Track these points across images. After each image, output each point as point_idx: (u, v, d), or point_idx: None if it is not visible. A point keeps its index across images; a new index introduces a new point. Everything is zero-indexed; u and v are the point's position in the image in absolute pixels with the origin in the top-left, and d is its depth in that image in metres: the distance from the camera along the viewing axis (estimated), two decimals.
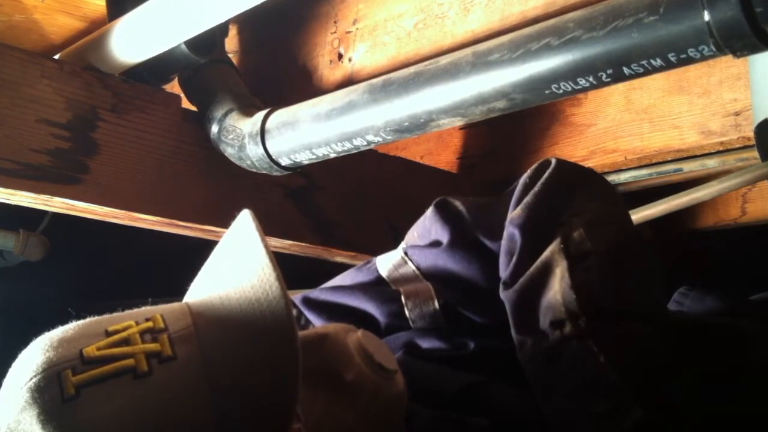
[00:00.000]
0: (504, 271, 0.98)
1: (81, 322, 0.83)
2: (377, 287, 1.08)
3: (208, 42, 1.47)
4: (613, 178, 1.70)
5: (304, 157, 1.38)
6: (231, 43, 1.88)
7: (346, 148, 1.31)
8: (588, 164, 1.69)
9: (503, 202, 1.03)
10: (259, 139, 1.40)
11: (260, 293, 0.77)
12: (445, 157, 1.92)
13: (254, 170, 1.46)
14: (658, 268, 1.02)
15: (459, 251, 1.04)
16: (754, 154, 1.37)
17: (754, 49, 0.87)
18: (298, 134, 1.35)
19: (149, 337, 0.77)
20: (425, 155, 1.95)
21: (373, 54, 1.59)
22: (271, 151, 1.40)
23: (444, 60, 1.15)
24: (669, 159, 1.62)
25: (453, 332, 1.02)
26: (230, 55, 1.74)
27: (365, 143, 1.28)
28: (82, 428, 0.73)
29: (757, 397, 0.98)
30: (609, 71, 0.96)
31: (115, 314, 0.84)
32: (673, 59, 0.92)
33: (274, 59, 1.84)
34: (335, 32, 1.69)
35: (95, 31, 1.49)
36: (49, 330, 0.83)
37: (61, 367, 0.75)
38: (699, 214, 2.03)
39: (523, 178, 1.03)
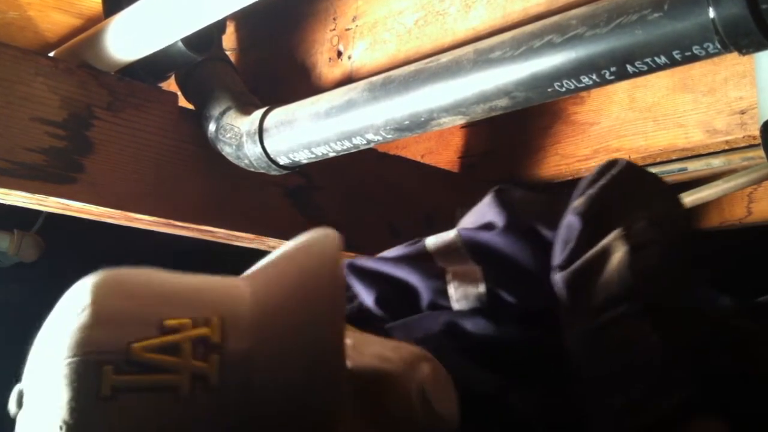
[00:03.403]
0: (558, 257, 0.97)
1: (140, 283, 0.77)
2: (424, 263, 1.04)
3: (205, 39, 1.46)
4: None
5: (303, 156, 1.37)
6: (228, 41, 1.87)
7: (345, 147, 1.30)
8: (591, 163, 1.68)
9: (563, 198, 1.03)
10: (257, 137, 1.39)
11: (317, 348, 0.72)
12: (446, 156, 1.91)
13: (252, 169, 1.45)
14: (700, 273, 1.03)
15: (513, 234, 1.01)
16: (760, 153, 1.36)
17: (760, 47, 0.87)
18: (297, 133, 1.34)
19: (201, 352, 0.70)
20: (426, 154, 1.94)
21: (372, 51, 1.58)
22: (269, 150, 1.39)
23: (445, 57, 1.14)
24: (673, 158, 1.62)
25: (495, 316, 0.99)
26: (228, 53, 1.72)
27: (365, 142, 1.27)
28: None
29: (761, 398, 0.98)
30: (612, 69, 0.96)
31: (175, 288, 0.77)
32: (677, 57, 0.91)
33: (272, 57, 1.83)
34: (334, 29, 1.68)
35: (91, 28, 1.48)
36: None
37: (104, 358, 0.69)
38: (704, 213, 2.01)
39: (589, 174, 1.04)
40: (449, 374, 0.87)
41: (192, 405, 0.69)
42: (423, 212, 1.79)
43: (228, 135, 1.45)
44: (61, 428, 0.69)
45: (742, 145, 1.51)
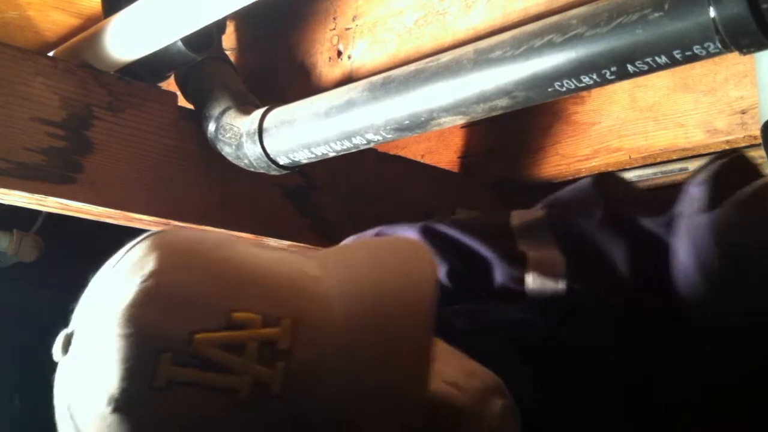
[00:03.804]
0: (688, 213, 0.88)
1: (211, 259, 0.70)
2: (505, 241, 0.94)
3: (205, 39, 1.46)
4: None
5: (303, 156, 1.36)
6: (228, 40, 1.87)
7: (345, 147, 1.30)
8: (592, 163, 1.68)
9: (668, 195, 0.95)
10: (256, 137, 1.39)
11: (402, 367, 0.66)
12: (446, 156, 1.91)
13: (252, 169, 1.45)
14: None
15: (610, 229, 0.91)
16: (761, 153, 1.36)
17: (761, 46, 0.87)
18: (297, 133, 1.33)
19: (266, 356, 0.64)
20: (426, 154, 1.94)
21: (372, 51, 1.58)
22: (269, 150, 1.39)
23: (445, 57, 1.14)
24: (674, 158, 1.61)
25: (570, 318, 0.89)
26: (227, 53, 1.72)
27: (365, 142, 1.27)
28: (156, 424, 0.65)
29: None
30: (613, 69, 0.95)
31: (248, 273, 0.70)
32: (678, 56, 0.91)
33: (272, 56, 1.83)
34: (334, 29, 1.68)
35: (90, 27, 1.48)
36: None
37: (163, 345, 0.64)
38: None
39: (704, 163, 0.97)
40: (516, 406, 0.80)
41: (248, 412, 0.64)
42: (423, 212, 1.79)
43: (228, 135, 1.44)
44: (109, 403, 0.64)
45: (743, 145, 1.50)
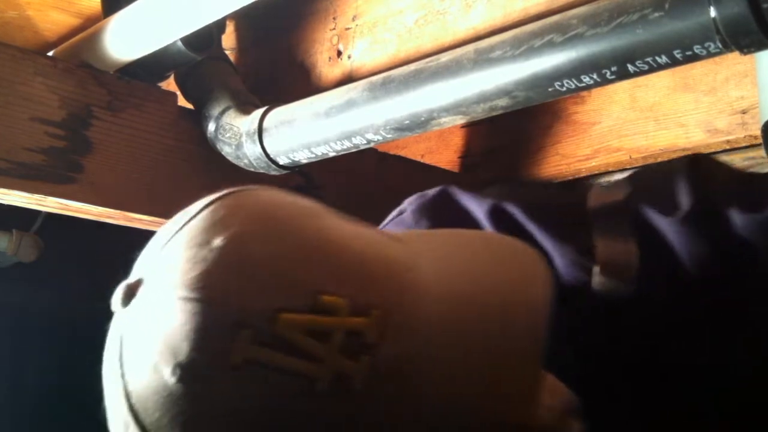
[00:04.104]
0: None
1: (301, 229, 0.64)
2: (573, 230, 0.83)
3: (205, 39, 1.46)
4: (618, 178, 1.69)
5: (303, 156, 1.36)
6: (228, 40, 1.87)
7: (345, 147, 1.30)
8: (592, 163, 1.67)
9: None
10: (256, 137, 1.39)
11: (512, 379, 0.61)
12: (446, 156, 1.90)
13: (252, 169, 1.45)
14: None
15: (693, 227, 0.80)
16: (761, 152, 1.36)
17: (762, 46, 0.86)
18: (297, 133, 1.33)
19: (352, 347, 0.59)
20: (426, 154, 1.94)
21: (372, 51, 1.58)
22: (269, 150, 1.39)
23: (445, 57, 1.14)
24: (675, 158, 1.61)
25: (633, 326, 0.80)
26: (227, 52, 1.72)
27: (365, 142, 1.27)
28: (225, 402, 0.59)
29: None
30: (613, 68, 0.95)
31: (336, 249, 0.64)
32: (678, 56, 0.90)
33: (272, 56, 1.83)
34: (334, 29, 1.68)
35: (90, 27, 1.48)
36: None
37: (244, 320, 0.58)
38: None
39: None
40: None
41: (326, 404, 0.59)
42: None
43: (227, 134, 1.44)
44: (174, 372, 0.59)
45: (744, 144, 1.50)
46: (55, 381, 2.14)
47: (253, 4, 1.20)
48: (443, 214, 0.91)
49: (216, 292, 0.59)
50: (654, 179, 0.89)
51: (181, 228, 0.65)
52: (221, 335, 0.59)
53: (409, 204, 0.96)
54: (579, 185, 0.87)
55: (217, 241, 0.61)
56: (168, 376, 0.59)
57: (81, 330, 2.25)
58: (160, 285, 0.62)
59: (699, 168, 0.87)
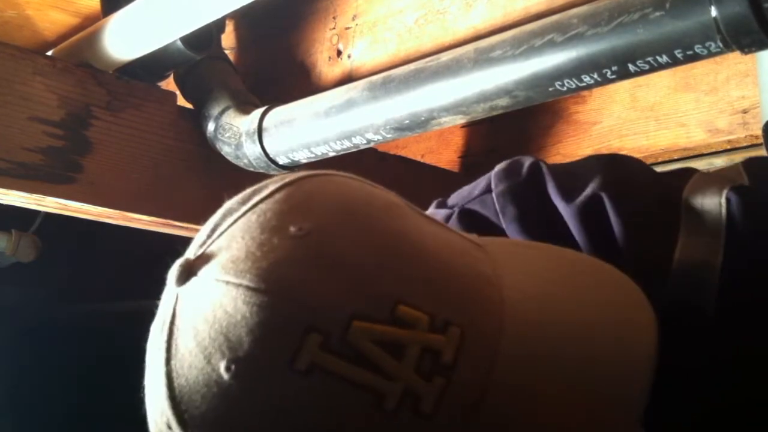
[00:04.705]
0: None
1: (381, 230, 0.58)
2: (657, 230, 0.73)
3: (204, 38, 1.46)
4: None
5: (303, 156, 1.36)
6: (227, 40, 1.86)
7: (345, 147, 1.29)
8: None
9: None
10: (256, 137, 1.38)
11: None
12: (446, 156, 1.90)
13: (251, 169, 1.44)
14: None
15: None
16: (762, 152, 1.35)
17: (762, 46, 0.86)
18: (296, 132, 1.33)
19: (426, 366, 0.54)
20: (426, 154, 1.93)
21: (372, 50, 1.57)
22: (268, 150, 1.38)
23: (445, 56, 1.14)
24: (675, 158, 1.60)
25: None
26: (227, 52, 1.72)
27: (365, 142, 1.27)
28: (282, 406, 0.54)
29: None
30: (614, 68, 0.95)
31: (420, 253, 0.58)
32: (679, 56, 0.90)
33: (271, 56, 1.83)
34: (334, 28, 1.67)
35: (89, 27, 1.48)
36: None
37: (315, 323, 0.53)
38: None
39: None
40: None
41: (391, 423, 0.54)
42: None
43: (227, 134, 1.44)
44: (228, 369, 0.54)
45: (744, 144, 1.50)
46: (55, 381, 2.14)
47: (252, 3, 1.19)
48: (531, 204, 0.81)
49: (287, 287, 0.54)
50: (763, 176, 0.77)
51: (254, 207, 0.59)
52: (289, 335, 0.53)
53: (497, 181, 0.87)
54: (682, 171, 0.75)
55: (294, 230, 0.56)
56: (222, 369, 0.54)
57: (80, 330, 2.25)
58: (226, 268, 0.56)
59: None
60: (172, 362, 0.57)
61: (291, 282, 0.54)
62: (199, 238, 0.61)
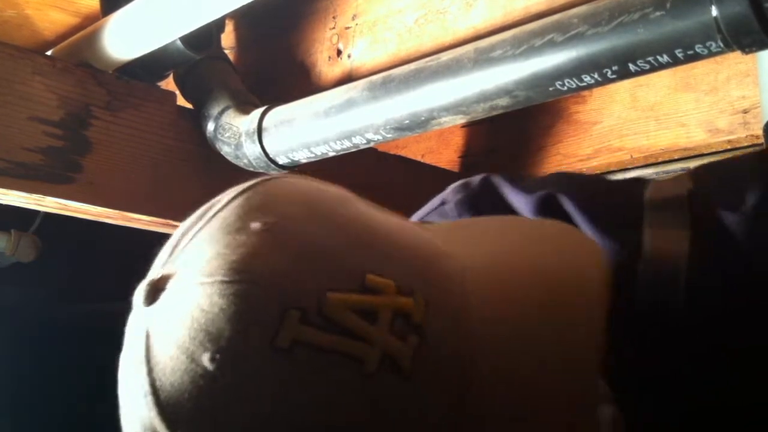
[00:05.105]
0: None
1: (342, 214, 0.62)
2: (622, 221, 0.77)
3: (204, 38, 1.45)
4: (619, 177, 1.68)
5: (303, 156, 1.36)
6: (227, 39, 1.86)
7: (345, 147, 1.29)
8: (593, 163, 1.67)
9: None
10: (256, 137, 1.38)
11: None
12: (446, 156, 1.90)
13: (251, 169, 1.44)
14: None
15: (762, 220, 0.72)
16: None
17: (763, 46, 0.86)
18: (296, 132, 1.33)
19: (399, 328, 0.56)
20: (426, 154, 1.93)
21: (372, 50, 1.57)
22: (268, 150, 1.38)
23: (445, 56, 1.13)
24: (676, 158, 1.60)
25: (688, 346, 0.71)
26: (227, 52, 1.72)
27: (365, 141, 1.27)
28: (268, 386, 0.55)
29: None
30: (614, 68, 0.95)
31: (375, 233, 0.62)
32: (680, 55, 0.90)
33: (271, 56, 1.83)
34: (334, 28, 1.67)
35: (89, 26, 1.47)
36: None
37: (292, 301, 0.55)
38: None
39: None
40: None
41: (374, 385, 0.56)
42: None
43: (227, 134, 1.44)
44: (213, 360, 0.55)
45: (745, 144, 1.49)
46: (54, 381, 2.13)
47: (252, 3, 1.19)
48: (487, 209, 0.85)
49: (261, 274, 0.56)
50: (720, 174, 0.82)
51: (211, 220, 0.61)
52: (268, 316, 0.55)
53: (453, 194, 0.91)
54: (636, 180, 0.80)
55: (257, 225, 0.58)
56: (206, 362, 0.55)
57: (80, 330, 2.25)
58: (196, 272, 0.57)
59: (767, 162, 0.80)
60: (154, 373, 0.57)
61: (263, 269, 0.56)
62: (159, 260, 0.62)
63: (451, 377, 0.57)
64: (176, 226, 1.54)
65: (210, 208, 0.63)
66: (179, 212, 1.45)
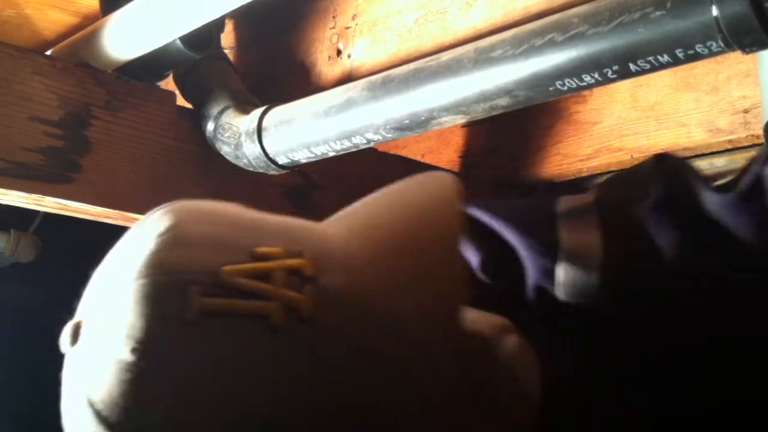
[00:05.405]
0: None
1: (225, 213, 0.71)
2: (540, 226, 0.87)
3: (204, 38, 1.45)
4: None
5: (302, 156, 1.36)
6: (227, 39, 1.86)
7: (345, 147, 1.29)
8: (593, 163, 1.67)
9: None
10: (255, 137, 1.38)
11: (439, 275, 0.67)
12: (446, 156, 1.90)
13: (251, 169, 1.44)
14: None
15: (664, 210, 0.82)
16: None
17: (763, 45, 0.86)
18: (296, 132, 1.33)
19: (294, 282, 0.64)
20: (426, 154, 1.93)
21: (372, 50, 1.57)
22: (268, 150, 1.38)
23: (445, 56, 1.13)
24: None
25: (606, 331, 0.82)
26: (226, 51, 1.72)
27: (365, 141, 1.26)
28: (189, 359, 0.61)
29: None
30: (615, 68, 0.95)
31: (262, 220, 0.71)
32: (680, 55, 0.90)
33: (271, 55, 1.82)
34: (334, 27, 1.67)
35: (88, 26, 1.47)
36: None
37: (190, 278, 0.62)
38: None
39: None
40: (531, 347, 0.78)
41: (284, 336, 0.62)
42: None
43: (227, 134, 1.44)
44: (134, 351, 0.61)
45: (746, 144, 1.49)
46: (54, 381, 2.13)
47: (252, 3, 1.19)
48: None
49: (163, 267, 0.63)
50: (624, 177, 0.93)
51: (114, 254, 0.69)
52: (171, 296, 0.62)
53: None
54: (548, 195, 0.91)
55: (154, 235, 0.65)
56: (128, 356, 0.61)
57: None
58: (108, 295, 0.65)
59: (668, 161, 0.89)
60: (96, 402, 0.63)
61: (163, 262, 0.63)
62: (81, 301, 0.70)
63: (349, 317, 0.64)
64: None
65: (115, 247, 0.71)
66: None
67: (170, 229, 0.66)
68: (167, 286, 0.62)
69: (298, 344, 0.63)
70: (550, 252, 0.85)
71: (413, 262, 0.68)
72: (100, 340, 0.64)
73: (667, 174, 0.85)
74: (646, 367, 0.81)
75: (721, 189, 0.82)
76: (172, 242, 0.65)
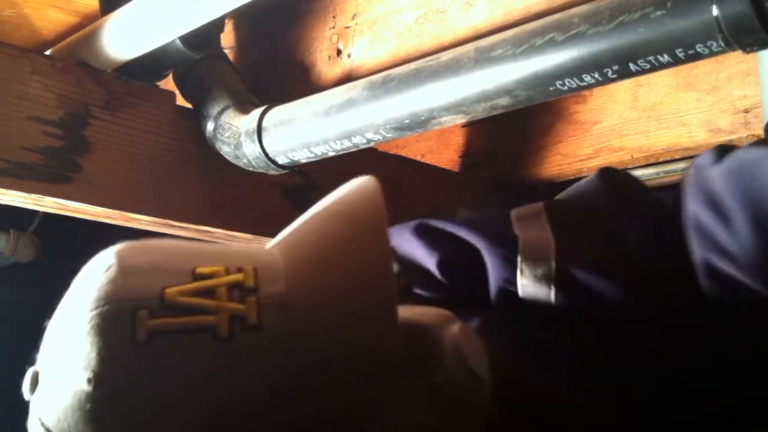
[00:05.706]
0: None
1: (166, 245, 0.75)
2: (498, 226, 0.96)
3: (204, 37, 1.45)
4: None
5: (302, 156, 1.35)
6: (227, 39, 1.86)
7: (345, 147, 1.29)
8: (593, 163, 1.67)
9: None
10: (255, 137, 1.38)
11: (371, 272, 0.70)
12: (446, 156, 1.90)
13: (251, 169, 1.44)
14: None
15: (615, 200, 0.93)
16: None
17: (764, 45, 0.86)
18: (296, 132, 1.32)
19: (237, 295, 0.68)
20: (426, 153, 1.93)
21: (372, 49, 1.57)
22: (268, 150, 1.38)
23: (445, 56, 1.13)
24: (677, 157, 1.60)
25: (566, 317, 0.89)
26: (226, 51, 1.71)
27: (365, 141, 1.26)
28: (145, 379, 0.65)
29: None
30: (615, 67, 0.95)
31: (202, 246, 0.77)
32: (680, 55, 0.90)
33: (271, 55, 1.82)
34: (334, 27, 1.67)
35: (87, 26, 1.47)
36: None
37: (138, 305, 0.66)
38: None
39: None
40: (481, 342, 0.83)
41: (231, 346, 0.66)
42: (423, 212, 1.78)
43: (226, 134, 1.43)
44: (89, 381, 0.65)
45: (746, 144, 1.49)
46: None
47: (252, 2, 1.19)
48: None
49: (110, 297, 0.67)
50: (570, 190, 1.02)
51: (62, 301, 0.73)
52: (121, 324, 0.65)
53: None
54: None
55: (99, 274, 0.69)
56: (85, 386, 0.64)
57: None
58: (61, 335, 0.69)
59: (608, 172, 0.98)
60: (53, 425, 0.67)
61: (110, 293, 0.67)
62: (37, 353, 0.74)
63: (291, 326, 0.67)
64: (176, 226, 1.54)
65: (64, 297, 0.74)
66: (179, 212, 1.46)
67: (114, 264, 0.70)
68: (116, 314, 0.66)
69: (252, 351, 0.67)
70: (509, 245, 0.92)
71: (345, 260, 0.71)
72: (58, 379, 0.67)
73: (611, 179, 0.96)
74: (609, 352, 0.87)
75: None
76: (116, 274, 0.69)
